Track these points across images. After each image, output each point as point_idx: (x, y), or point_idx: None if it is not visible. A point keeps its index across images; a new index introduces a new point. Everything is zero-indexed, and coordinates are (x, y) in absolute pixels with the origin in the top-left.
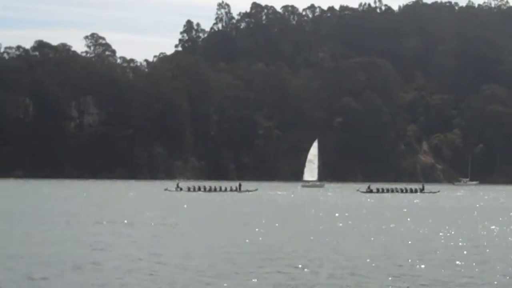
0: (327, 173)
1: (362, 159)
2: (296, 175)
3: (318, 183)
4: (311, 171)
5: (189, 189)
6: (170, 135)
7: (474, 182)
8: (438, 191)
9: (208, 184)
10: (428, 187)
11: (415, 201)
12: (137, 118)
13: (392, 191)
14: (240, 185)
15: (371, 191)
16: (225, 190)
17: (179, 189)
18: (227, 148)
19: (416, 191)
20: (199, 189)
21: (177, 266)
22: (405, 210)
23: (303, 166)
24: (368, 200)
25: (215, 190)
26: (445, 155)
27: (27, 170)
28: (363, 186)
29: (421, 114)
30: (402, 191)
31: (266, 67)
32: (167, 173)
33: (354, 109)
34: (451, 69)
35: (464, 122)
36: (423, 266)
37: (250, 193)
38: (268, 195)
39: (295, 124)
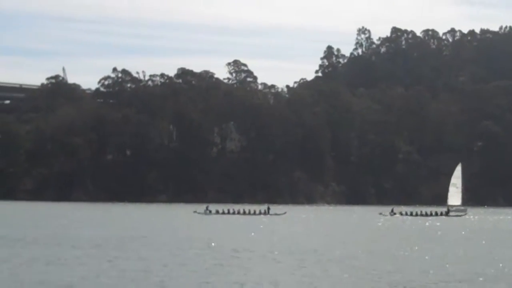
0: (469, 198)
1: (503, 183)
2: (436, 199)
3: (462, 207)
4: (455, 195)
5: (217, 212)
6: (311, 160)
7: None
8: (465, 214)
9: (236, 207)
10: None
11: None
12: (278, 143)
13: (416, 214)
14: (268, 208)
15: (394, 214)
16: (254, 213)
17: (208, 211)
18: (367, 173)
19: (441, 214)
20: (228, 212)
21: None
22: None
23: (444, 190)
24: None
25: (244, 213)
26: None
27: (170, 195)
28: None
29: None
30: (426, 214)
31: (406, 91)
32: (308, 198)
33: (495, 133)
34: None
35: None
36: None
37: (280, 216)
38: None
39: (435, 148)
